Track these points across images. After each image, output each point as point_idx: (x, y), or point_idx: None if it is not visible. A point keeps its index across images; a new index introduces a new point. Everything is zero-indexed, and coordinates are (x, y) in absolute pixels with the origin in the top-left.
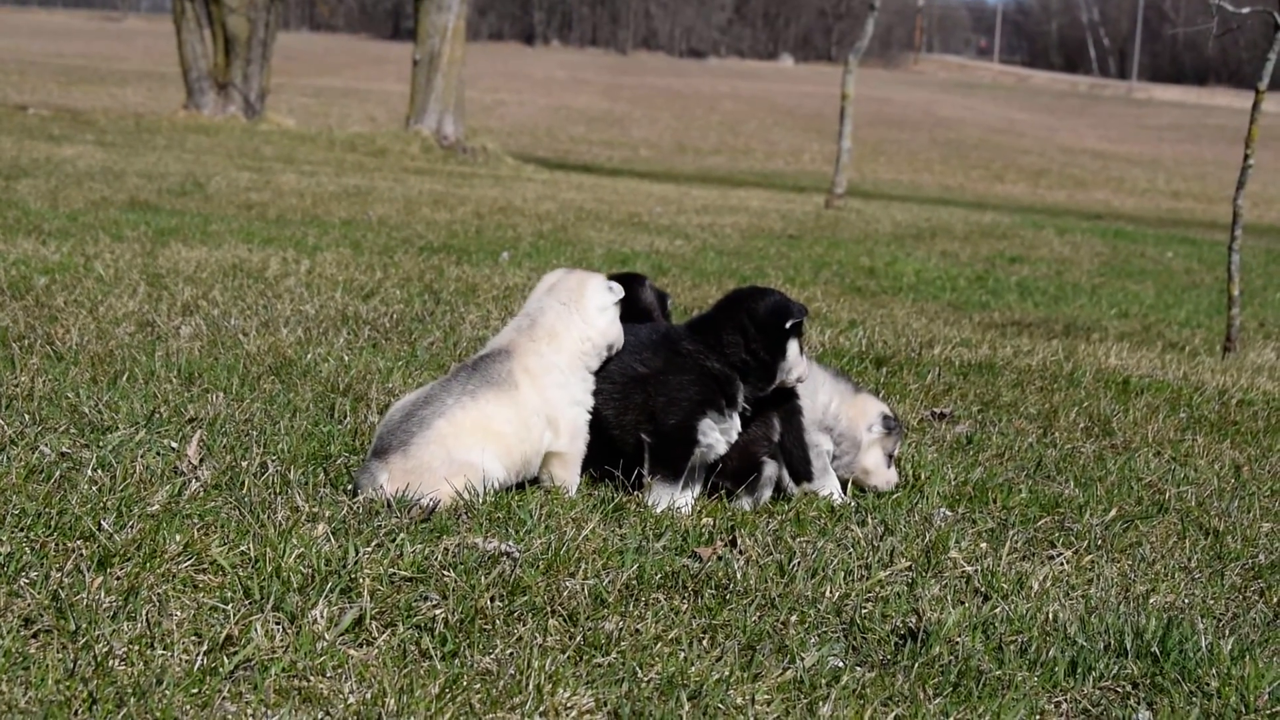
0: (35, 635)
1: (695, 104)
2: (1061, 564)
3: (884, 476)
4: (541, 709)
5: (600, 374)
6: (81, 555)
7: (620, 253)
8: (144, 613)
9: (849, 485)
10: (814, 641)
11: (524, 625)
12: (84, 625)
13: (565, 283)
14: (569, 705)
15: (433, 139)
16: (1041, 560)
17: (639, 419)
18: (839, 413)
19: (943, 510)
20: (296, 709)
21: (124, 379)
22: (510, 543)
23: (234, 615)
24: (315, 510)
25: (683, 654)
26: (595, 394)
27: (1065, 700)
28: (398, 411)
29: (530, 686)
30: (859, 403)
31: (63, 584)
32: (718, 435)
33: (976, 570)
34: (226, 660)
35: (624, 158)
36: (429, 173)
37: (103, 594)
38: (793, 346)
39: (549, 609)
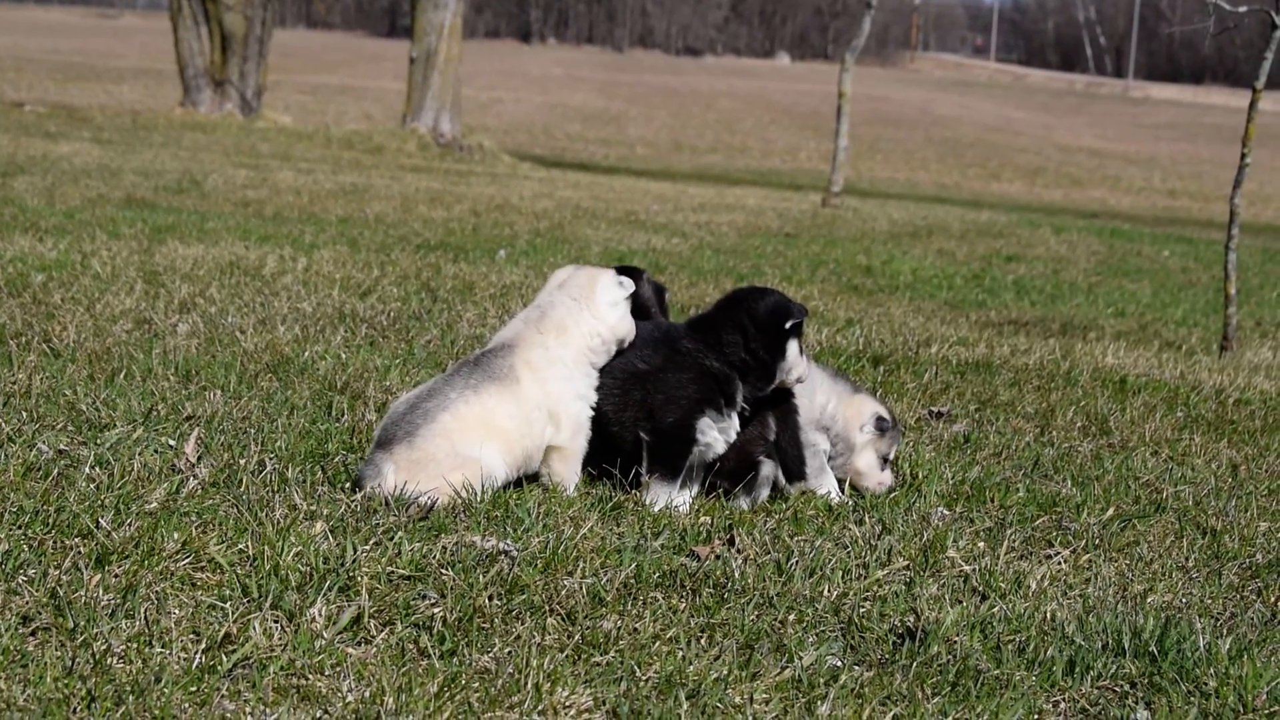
0: (34, 633)
1: (692, 102)
2: (1059, 563)
3: (876, 478)
4: (540, 708)
5: (601, 370)
6: (79, 553)
7: (617, 251)
8: (142, 610)
9: (846, 485)
10: (812, 641)
11: (522, 624)
12: (82, 623)
13: (576, 278)
14: (567, 704)
15: (429, 137)
16: (1039, 559)
17: (637, 416)
18: (836, 413)
19: (940, 509)
20: (295, 707)
21: (121, 376)
22: (508, 541)
23: (232, 613)
24: (313, 508)
25: (681, 653)
26: (596, 390)
27: (1063, 699)
28: (401, 405)
29: (529, 685)
30: (855, 403)
31: (61, 581)
32: (716, 434)
33: (974, 569)
34: (225, 658)
35: (620, 156)
36: (426, 170)
37: (101, 592)
38: (792, 347)
39: (547, 608)
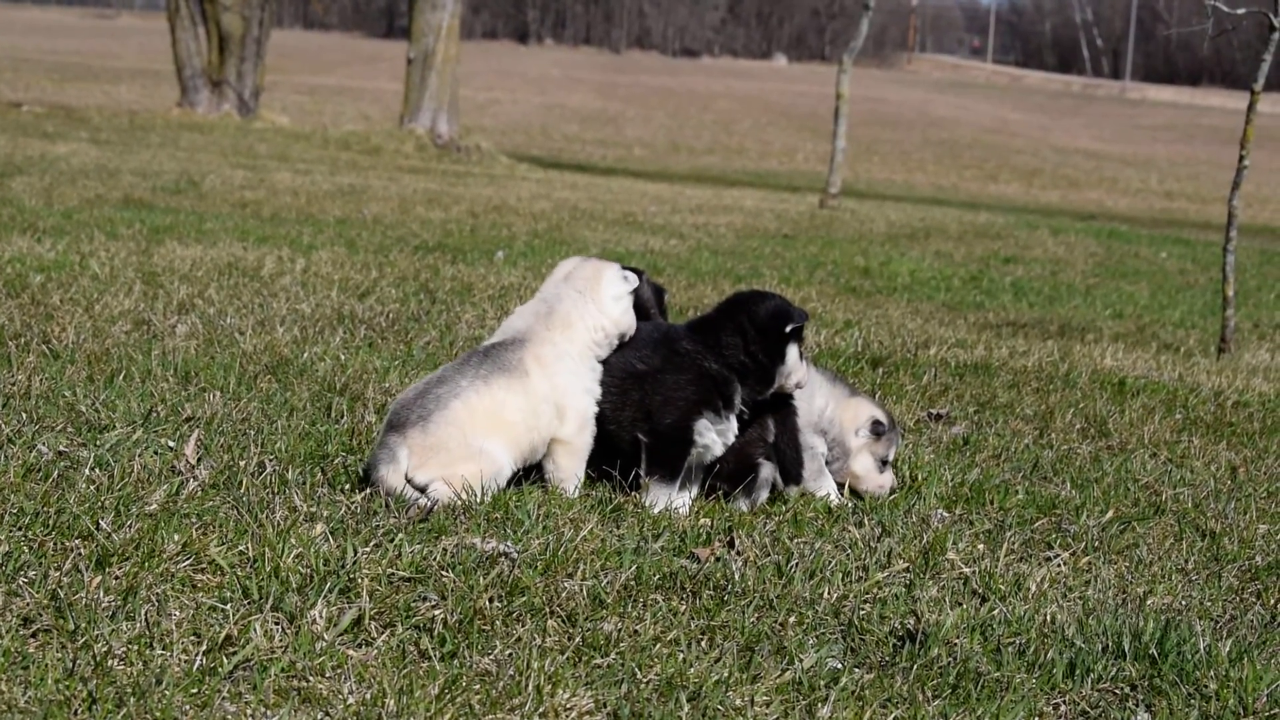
0: (34, 635)
1: (689, 103)
2: (1059, 565)
3: (875, 481)
4: (541, 710)
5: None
6: (80, 554)
7: (615, 252)
8: (143, 612)
9: (845, 488)
10: (812, 643)
11: (523, 626)
12: (83, 625)
13: (581, 271)
14: (568, 706)
15: (427, 137)
16: (1039, 561)
17: (636, 417)
18: (834, 417)
19: (940, 511)
20: (296, 709)
21: (120, 378)
22: (508, 543)
23: (233, 615)
24: (313, 510)
25: (681, 655)
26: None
27: (1064, 702)
28: (411, 391)
29: (529, 687)
30: (851, 406)
31: (61, 583)
32: (714, 436)
33: (974, 572)
34: (226, 660)
35: (618, 157)
36: (423, 171)
37: (101, 593)
38: (792, 351)
39: (548, 610)
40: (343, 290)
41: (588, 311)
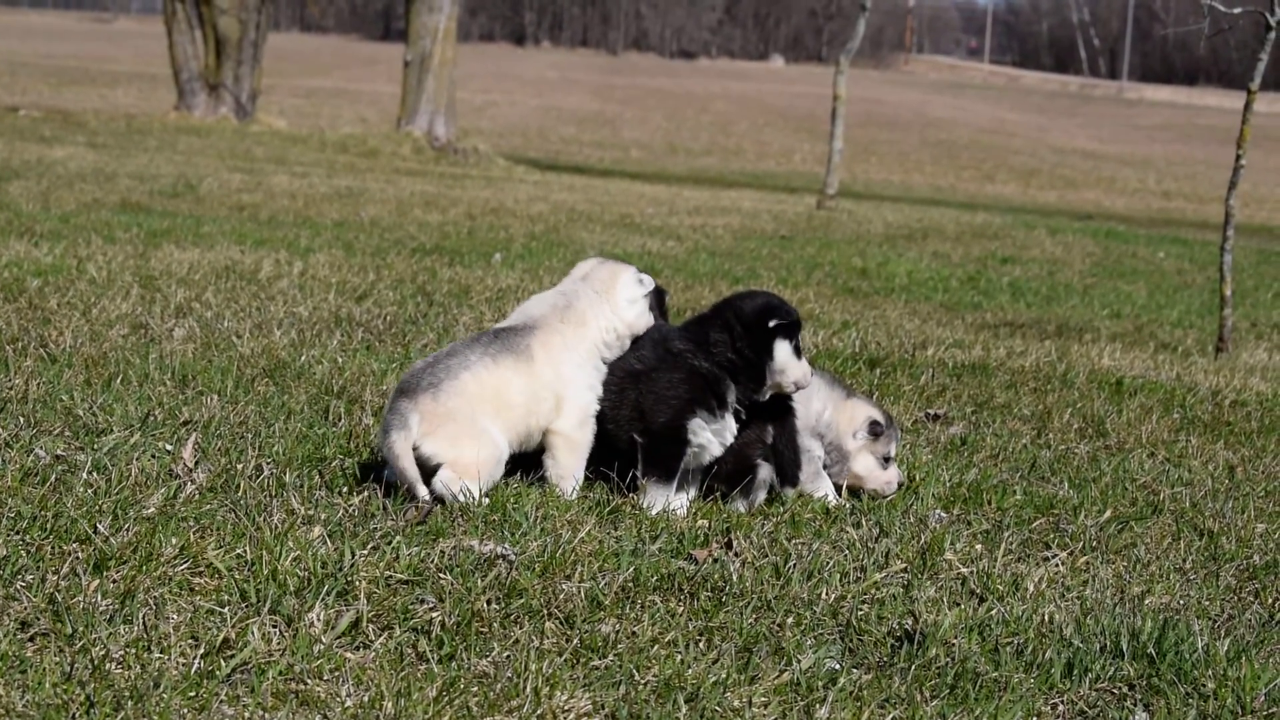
0: (32, 638)
1: (686, 105)
2: (1057, 565)
3: (880, 479)
4: (539, 712)
5: None
6: (77, 558)
7: (612, 254)
8: (141, 616)
9: (843, 490)
10: (810, 644)
11: (521, 628)
12: (81, 628)
13: (598, 272)
14: (566, 708)
15: (424, 140)
16: (1037, 562)
17: (631, 416)
18: (831, 420)
19: (938, 512)
20: (294, 712)
21: (118, 381)
22: (506, 545)
23: (231, 618)
24: (311, 513)
25: (679, 656)
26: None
27: (1062, 702)
28: (421, 363)
29: (527, 689)
30: (848, 408)
31: (59, 587)
32: (709, 436)
33: (972, 572)
34: (223, 663)
35: (615, 158)
36: (421, 174)
37: (99, 597)
38: (782, 349)
39: (545, 611)
40: (340, 293)
41: (602, 312)
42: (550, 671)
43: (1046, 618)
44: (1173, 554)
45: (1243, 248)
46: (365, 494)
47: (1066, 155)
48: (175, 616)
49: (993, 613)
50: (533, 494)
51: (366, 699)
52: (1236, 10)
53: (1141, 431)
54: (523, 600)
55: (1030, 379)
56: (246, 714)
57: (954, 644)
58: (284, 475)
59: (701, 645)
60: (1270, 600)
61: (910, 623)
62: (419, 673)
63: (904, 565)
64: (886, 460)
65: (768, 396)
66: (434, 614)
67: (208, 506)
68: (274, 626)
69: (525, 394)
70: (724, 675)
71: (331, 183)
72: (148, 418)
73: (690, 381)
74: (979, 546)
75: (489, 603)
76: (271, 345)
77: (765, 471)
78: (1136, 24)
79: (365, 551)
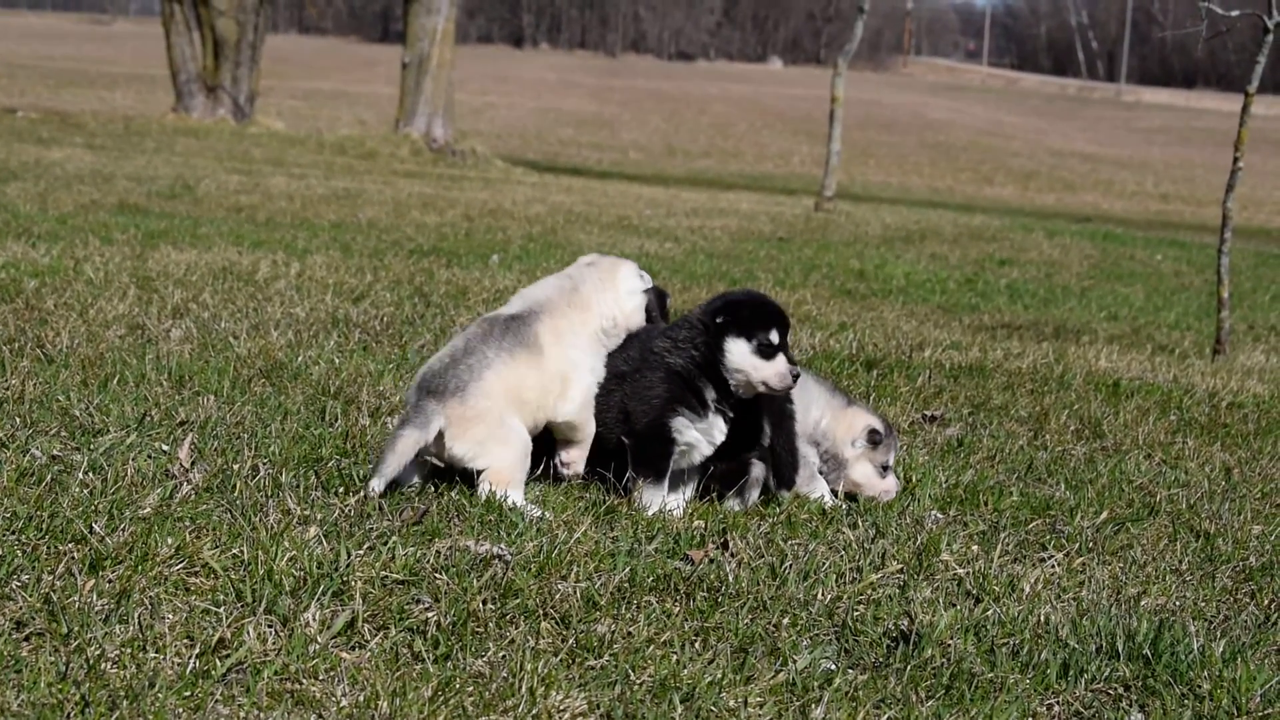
0: (27, 638)
1: (684, 107)
2: (1053, 566)
3: (880, 487)
4: (534, 712)
5: None
6: (73, 558)
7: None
8: (136, 616)
9: (840, 494)
10: (806, 644)
11: (516, 628)
12: (76, 628)
13: (601, 263)
14: (562, 708)
15: (422, 142)
16: (1033, 563)
17: (617, 417)
18: (828, 429)
19: (934, 513)
20: (289, 712)
21: (115, 382)
22: (502, 545)
23: (226, 618)
24: (307, 513)
25: (675, 657)
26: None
27: (1057, 703)
28: (438, 361)
29: (523, 689)
30: (847, 416)
31: (54, 587)
32: (695, 434)
33: (968, 573)
34: (219, 663)
35: (613, 160)
36: (418, 175)
37: (94, 597)
38: (735, 347)
39: (541, 612)
40: (337, 294)
41: (605, 299)
42: (546, 671)
43: (1042, 618)
44: (1169, 555)
45: (1240, 250)
46: (361, 494)
47: (1064, 158)
48: (171, 616)
49: (989, 613)
50: (530, 494)
51: (362, 699)
52: (1234, 13)
53: (1138, 433)
54: (518, 600)
55: (1027, 381)
56: (242, 714)
57: (950, 644)
58: (280, 475)
59: (697, 645)
60: (1266, 602)
61: (906, 623)
62: (414, 672)
63: (900, 566)
64: (885, 469)
65: (747, 395)
66: (429, 614)
67: (204, 507)
68: (269, 626)
69: (536, 390)
70: (720, 675)
71: (329, 184)
72: (144, 418)
73: (669, 381)
74: (975, 547)
75: (484, 603)
76: (268, 346)
77: (758, 470)
78: (1135, 27)
79: (361, 551)
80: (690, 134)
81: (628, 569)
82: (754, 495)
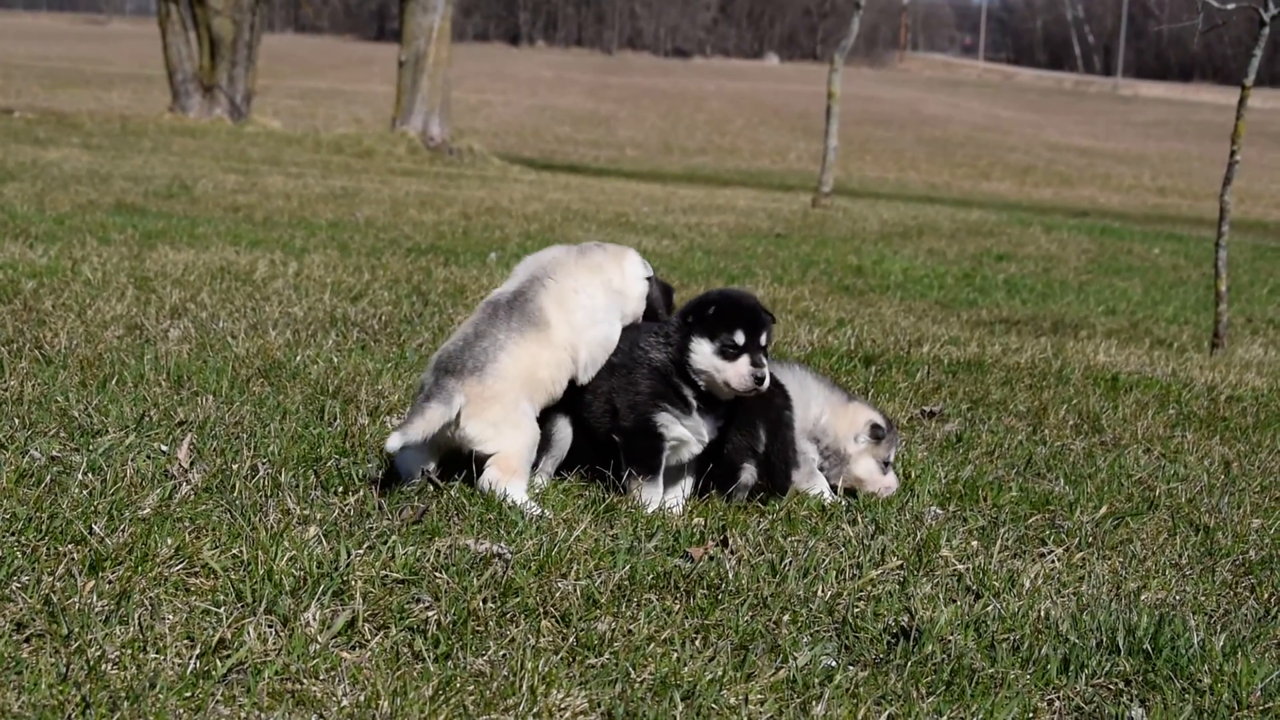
0: (27, 639)
1: (681, 103)
2: (1052, 561)
3: (881, 483)
4: (535, 710)
5: None
6: (73, 559)
7: None
8: (136, 616)
9: (839, 489)
10: (806, 641)
11: (517, 626)
12: (76, 629)
13: (607, 245)
14: (562, 706)
15: (419, 140)
16: (1033, 558)
17: (605, 408)
18: (828, 426)
19: (933, 508)
20: (290, 712)
21: (113, 382)
22: (502, 544)
23: (226, 618)
24: (306, 513)
25: (675, 654)
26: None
27: (1058, 698)
28: (453, 344)
29: (524, 688)
30: (849, 412)
31: (54, 588)
32: (682, 430)
33: (968, 568)
34: (219, 663)
35: (610, 158)
36: (416, 174)
37: (95, 598)
38: (698, 347)
39: (541, 610)
40: (335, 293)
41: (613, 270)
42: (546, 670)
43: (1043, 614)
44: (1168, 550)
45: (1237, 243)
46: (360, 494)
47: (1061, 152)
48: (171, 617)
49: (989, 609)
50: (529, 493)
51: (362, 698)
52: (1230, 6)
53: (1137, 427)
54: (518, 599)
55: (1026, 375)
56: (242, 714)
57: (950, 640)
58: (279, 475)
59: (698, 643)
60: (1266, 595)
61: (906, 619)
62: (415, 672)
63: (900, 562)
64: (886, 464)
65: (722, 396)
66: (430, 613)
67: (203, 507)
68: (270, 626)
69: (550, 367)
70: (720, 673)
71: (326, 183)
72: (143, 418)
73: (651, 377)
74: (975, 543)
75: (485, 601)
76: (267, 345)
77: (747, 475)
78: (1131, 20)
79: (361, 551)
80: (687, 131)
81: (628, 567)
82: (740, 498)
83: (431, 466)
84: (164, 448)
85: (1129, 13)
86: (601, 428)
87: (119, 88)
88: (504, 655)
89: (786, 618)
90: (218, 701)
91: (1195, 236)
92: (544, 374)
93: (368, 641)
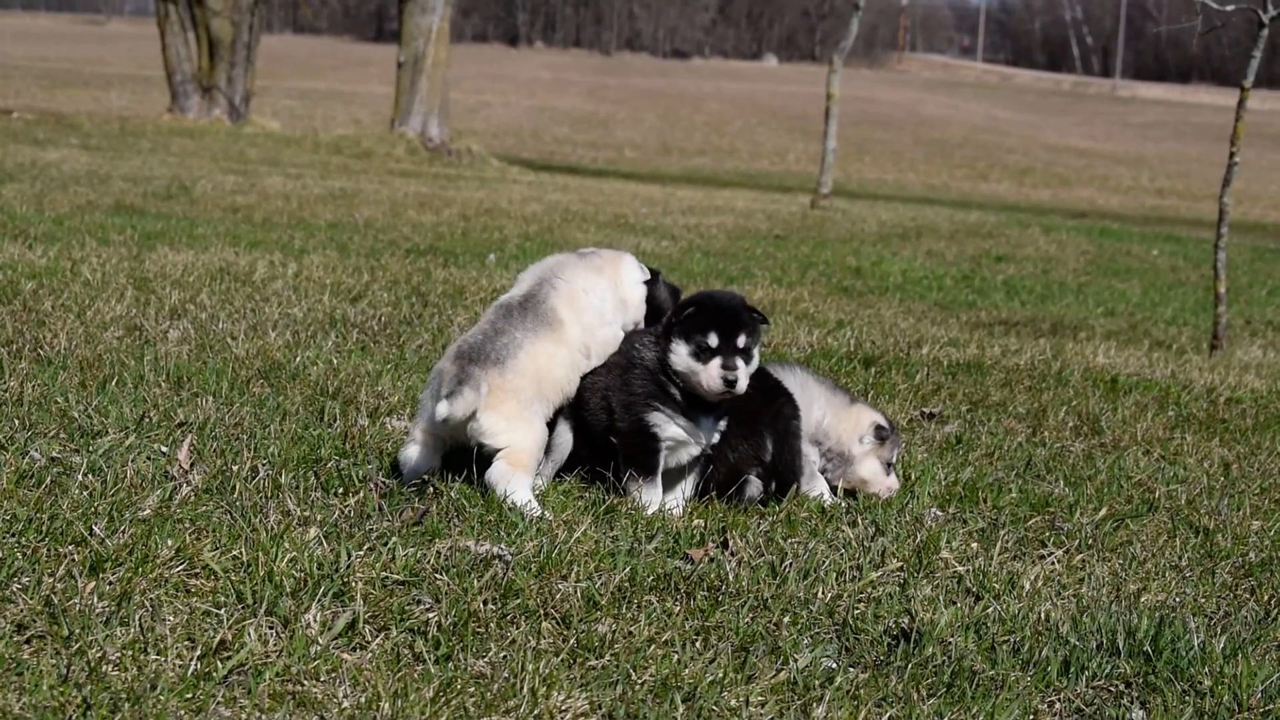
0: (28, 641)
1: (680, 105)
2: (1052, 563)
3: (884, 484)
4: (536, 712)
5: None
6: (73, 560)
7: None
8: (137, 618)
9: (839, 490)
10: (807, 643)
11: (517, 628)
12: (77, 631)
13: (602, 251)
14: (563, 708)
15: (418, 141)
16: (1033, 560)
17: (601, 405)
18: (830, 429)
19: (933, 510)
20: (291, 714)
21: (113, 383)
22: (502, 545)
23: (227, 620)
24: (307, 514)
25: (676, 656)
26: (582, 378)
27: (1058, 700)
28: (472, 338)
29: (524, 689)
30: (853, 414)
31: (55, 589)
32: (677, 430)
33: (968, 570)
34: (220, 665)
35: (609, 159)
36: (414, 175)
37: (95, 599)
38: (678, 348)
39: (542, 612)
40: (335, 294)
41: (612, 274)
42: (547, 671)
43: (1043, 616)
44: (1168, 551)
45: (1236, 245)
46: (361, 495)
47: (1060, 153)
48: (172, 618)
49: (989, 611)
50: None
51: (363, 700)
52: (1229, 7)
53: (1137, 429)
54: (519, 600)
55: (1025, 377)
56: (243, 715)
57: (950, 642)
58: (280, 476)
59: (698, 645)
60: (1266, 597)
61: (907, 621)
62: (416, 673)
63: (900, 564)
64: (889, 466)
65: (709, 398)
66: (430, 614)
67: (203, 508)
68: (270, 628)
69: (566, 366)
70: (721, 674)
71: (325, 184)
72: (143, 420)
73: (643, 377)
74: (975, 545)
75: (485, 603)
76: (266, 347)
77: (753, 488)
78: (1129, 22)
79: (361, 552)
80: (686, 132)
81: (628, 568)
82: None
83: (436, 466)
84: (164, 449)
85: (1127, 14)
86: (599, 427)
87: (117, 88)
88: (505, 657)
89: (787, 619)
90: (219, 703)
91: (1194, 238)
92: (560, 372)
93: (368, 643)
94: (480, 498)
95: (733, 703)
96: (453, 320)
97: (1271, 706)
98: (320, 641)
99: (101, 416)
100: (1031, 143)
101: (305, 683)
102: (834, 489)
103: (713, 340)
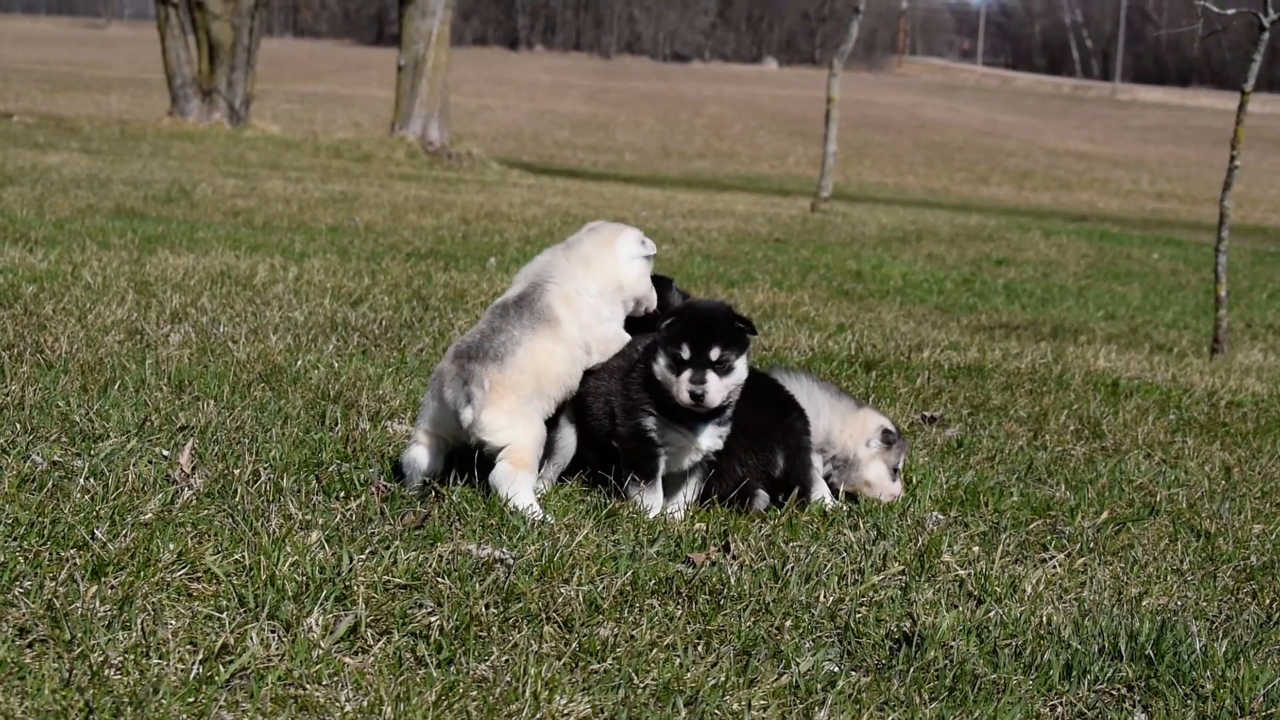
0: (30, 645)
1: (680, 108)
2: (1054, 567)
3: (889, 489)
4: (538, 715)
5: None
6: (75, 564)
7: None
8: (139, 622)
9: (839, 493)
10: (809, 646)
11: (519, 632)
12: (79, 635)
13: (602, 228)
14: (566, 712)
15: (418, 144)
16: (1034, 563)
17: (604, 409)
18: (835, 436)
19: (935, 514)
20: (293, 718)
21: (114, 387)
22: (504, 549)
23: (229, 624)
24: (308, 518)
25: (678, 660)
26: (583, 380)
27: (1060, 704)
28: (470, 338)
29: (527, 693)
30: (859, 418)
31: (57, 593)
32: (676, 435)
33: (969, 574)
34: (222, 669)
35: (609, 162)
36: (415, 178)
37: (97, 603)
38: (659, 359)
39: (544, 615)
40: (335, 298)
41: (605, 260)
42: (549, 675)
43: (1045, 619)
44: (1170, 555)
45: (1237, 248)
46: (362, 499)
47: (1060, 157)
48: (174, 622)
49: (991, 614)
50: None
51: (365, 704)
52: (1230, 11)
53: (1138, 433)
54: (521, 604)
55: (1026, 381)
56: (246, 719)
57: (952, 646)
58: (281, 480)
59: (700, 648)
60: (1268, 601)
61: (908, 625)
62: (418, 677)
63: (902, 567)
64: (895, 471)
65: (693, 409)
66: (432, 618)
67: (205, 512)
68: (272, 632)
69: (567, 360)
70: (723, 678)
71: (325, 188)
72: (144, 423)
73: (641, 382)
74: (976, 548)
75: (487, 607)
76: (267, 350)
77: (761, 502)
78: (1129, 25)
79: (363, 556)
80: (686, 135)
81: (630, 572)
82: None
83: (439, 468)
84: (165, 453)
85: (1127, 17)
86: (602, 431)
87: (118, 92)
88: (507, 661)
89: (789, 623)
90: (221, 707)
91: (1194, 241)
92: (560, 368)
93: (370, 647)
94: (482, 501)
95: (735, 706)
96: (454, 324)
97: (1273, 710)
98: (322, 645)
99: (103, 420)
100: (1031, 146)
101: (307, 687)
102: (835, 492)
103: (685, 353)
